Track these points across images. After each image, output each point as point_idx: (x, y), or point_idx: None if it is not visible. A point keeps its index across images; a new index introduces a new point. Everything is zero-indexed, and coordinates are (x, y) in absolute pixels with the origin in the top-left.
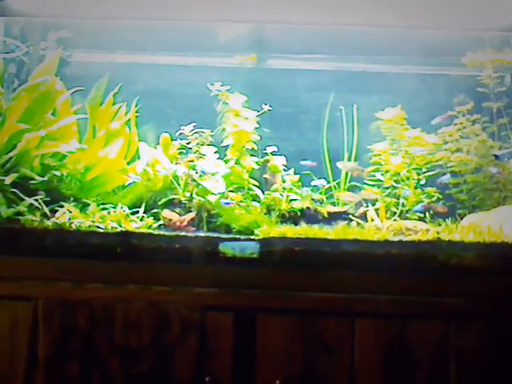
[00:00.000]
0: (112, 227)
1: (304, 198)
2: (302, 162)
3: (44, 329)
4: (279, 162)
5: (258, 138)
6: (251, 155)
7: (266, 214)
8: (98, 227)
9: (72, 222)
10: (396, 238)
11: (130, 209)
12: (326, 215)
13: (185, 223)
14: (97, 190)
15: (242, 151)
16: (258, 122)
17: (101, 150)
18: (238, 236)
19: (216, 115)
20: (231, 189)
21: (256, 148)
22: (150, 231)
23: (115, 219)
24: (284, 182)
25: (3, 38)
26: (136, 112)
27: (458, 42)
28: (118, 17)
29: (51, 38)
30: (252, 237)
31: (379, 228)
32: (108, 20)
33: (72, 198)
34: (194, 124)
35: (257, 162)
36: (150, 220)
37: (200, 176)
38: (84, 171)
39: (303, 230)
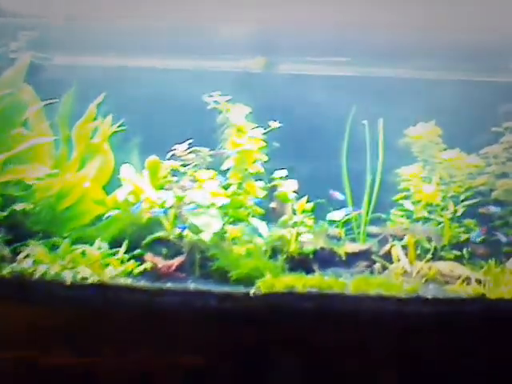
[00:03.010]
0: (82, 277)
1: (317, 235)
2: (334, 194)
3: None
4: (289, 187)
5: (265, 159)
6: (256, 180)
7: (270, 257)
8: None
9: (35, 270)
10: (428, 288)
11: (109, 246)
12: (343, 256)
13: (173, 268)
14: (70, 224)
15: (245, 175)
16: (264, 140)
17: (75, 174)
18: (235, 289)
19: (216, 130)
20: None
21: (262, 171)
22: (128, 284)
23: (89, 263)
24: (295, 213)
25: None
26: (119, 126)
27: (506, 44)
28: (105, 16)
29: (22, 38)
30: (252, 290)
31: (407, 271)
32: (93, 20)
33: (41, 234)
34: (190, 141)
35: (263, 188)
36: (131, 263)
37: (193, 209)
38: (55, 200)
39: (315, 281)
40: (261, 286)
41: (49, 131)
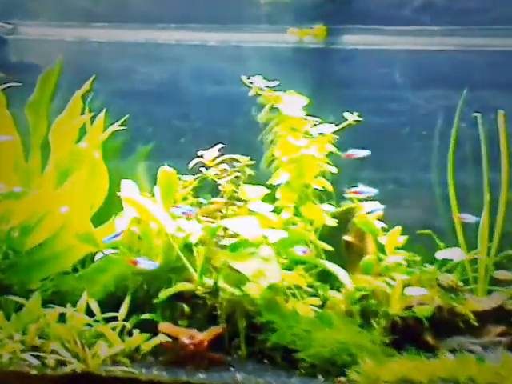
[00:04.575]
0: (56, 363)
1: (429, 286)
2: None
3: None
4: (370, 211)
5: (334, 170)
6: (322, 201)
7: (361, 324)
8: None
9: None
10: None
11: (101, 306)
12: (471, 319)
13: (204, 346)
14: (42, 271)
15: (306, 194)
16: (333, 143)
17: (50, 193)
18: None
19: (258, 130)
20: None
21: (329, 187)
22: (130, 375)
23: (69, 336)
24: (383, 249)
25: None
26: (120, 124)
27: None
28: None
29: None
30: None
31: None
32: None
33: None
34: (221, 146)
35: (332, 214)
36: (136, 337)
37: (233, 247)
38: (19, 235)
39: (443, 367)
40: (356, 379)
41: (12, 129)
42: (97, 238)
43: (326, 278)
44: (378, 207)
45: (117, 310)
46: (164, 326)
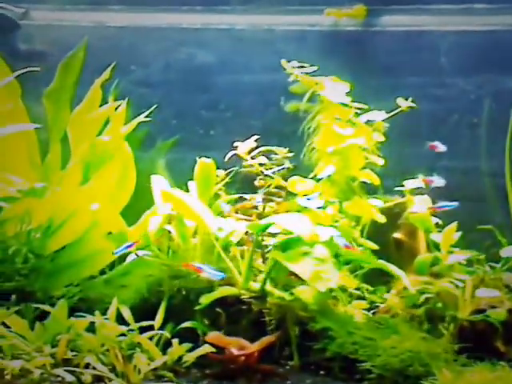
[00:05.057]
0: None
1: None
2: None
3: None
4: (421, 206)
5: (381, 162)
6: (368, 195)
7: (428, 329)
8: None
9: None
10: None
11: (132, 312)
12: None
13: (255, 355)
14: (67, 275)
15: (351, 188)
16: (383, 132)
17: (75, 190)
18: None
19: (297, 119)
20: None
21: (377, 180)
22: None
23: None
24: (437, 247)
25: None
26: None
27: None
28: None
29: None
30: None
31: None
32: None
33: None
34: (257, 137)
35: (381, 209)
36: (176, 348)
37: (284, 246)
38: (41, 236)
39: None
40: None
41: (26, 121)
42: (127, 238)
43: (369, 279)
44: (426, 201)
45: (149, 318)
46: (212, 335)
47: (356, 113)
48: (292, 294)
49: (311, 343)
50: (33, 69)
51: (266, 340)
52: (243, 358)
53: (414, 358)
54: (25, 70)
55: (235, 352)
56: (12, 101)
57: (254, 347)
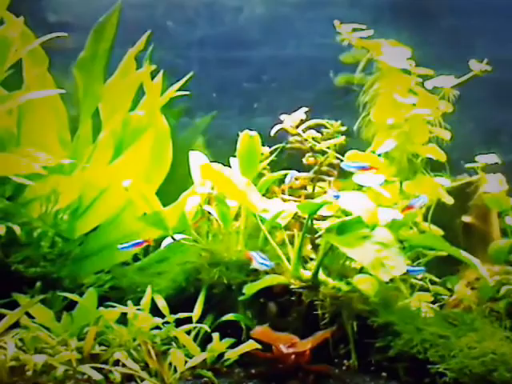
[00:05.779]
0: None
1: None
2: None
3: None
4: (496, 185)
5: (447, 136)
6: (433, 173)
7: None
8: None
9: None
10: None
11: (168, 302)
12: None
13: (307, 354)
14: (98, 261)
15: (413, 165)
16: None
17: (105, 167)
18: None
19: (348, 92)
20: None
21: (443, 157)
22: None
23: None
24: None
25: None
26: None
27: None
28: None
29: None
30: None
31: None
32: None
33: (39, 281)
34: (306, 109)
35: (448, 189)
36: (216, 344)
37: (340, 228)
38: (70, 216)
39: None
40: None
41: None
42: (164, 220)
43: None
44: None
45: (186, 309)
46: (258, 330)
47: (419, 81)
48: (349, 283)
49: (371, 340)
50: (60, 34)
51: (319, 336)
52: (293, 356)
53: (499, 361)
54: (52, 35)
55: (284, 349)
56: (39, 70)
57: (305, 344)
